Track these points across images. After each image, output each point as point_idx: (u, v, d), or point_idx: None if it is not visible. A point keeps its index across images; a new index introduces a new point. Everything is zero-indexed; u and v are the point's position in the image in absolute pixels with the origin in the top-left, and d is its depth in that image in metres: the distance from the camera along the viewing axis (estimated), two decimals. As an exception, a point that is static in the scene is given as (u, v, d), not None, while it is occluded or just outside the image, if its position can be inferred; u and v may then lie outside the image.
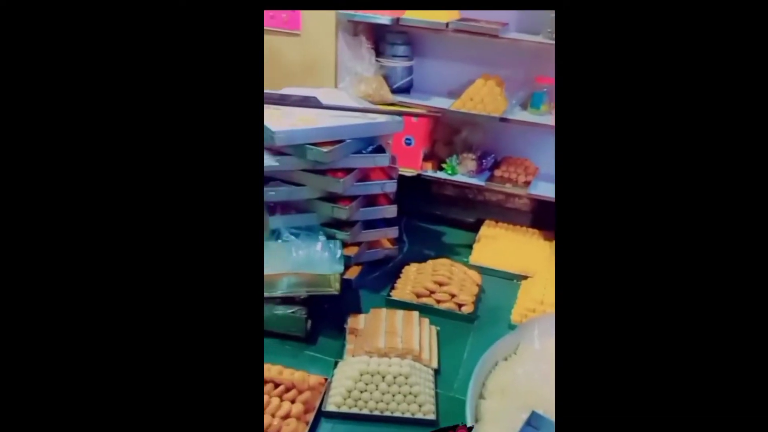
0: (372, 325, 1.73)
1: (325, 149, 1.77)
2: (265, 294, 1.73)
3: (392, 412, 1.46)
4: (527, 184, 2.31)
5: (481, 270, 2.14)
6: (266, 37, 2.41)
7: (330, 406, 1.47)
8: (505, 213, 2.49)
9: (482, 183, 2.34)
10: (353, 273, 2.03)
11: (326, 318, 1.83)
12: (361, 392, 1.48)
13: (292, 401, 1.42)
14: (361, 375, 1.49)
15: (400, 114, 2.03)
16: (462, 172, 2.39)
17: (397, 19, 2.18)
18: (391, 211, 2.09)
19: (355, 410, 1.46)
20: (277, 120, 1.83)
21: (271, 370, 1.48)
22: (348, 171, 1.90)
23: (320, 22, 2.25)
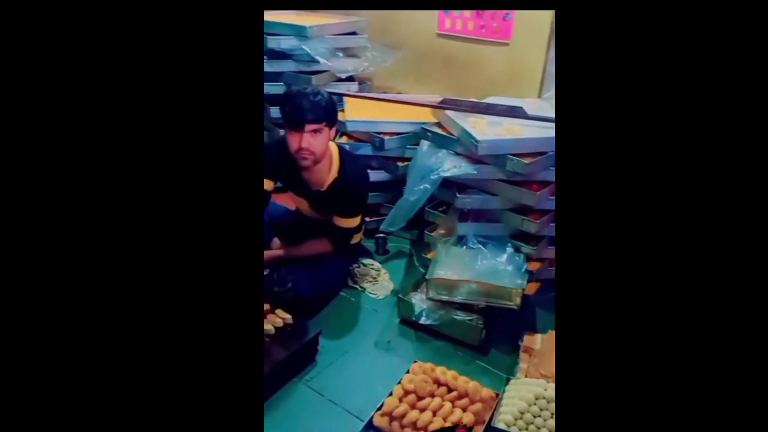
0: (550, 348, 1.65)
1: (526, 160, 1.73)
2: (446, 298, 1.77)
3: (566, 446, 1.38)
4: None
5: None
6: (472, 46, 2.45)
7: (499, 423, 1.44)
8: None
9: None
10: (532, 289, 1.96)
11: (501, 331, 1.80)
12: (534, 416, 1.42)
13: (464, 409, 1.42)
14: (537, 399, 1.43)
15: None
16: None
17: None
18: (582, 231, 1.97)
19: (525, 434, 1.41)
20: (482, 129, 1.84)
21: (446, 374, 1.50)
22: (544, 184, 1.84)
23: (533, 31, 2.20)
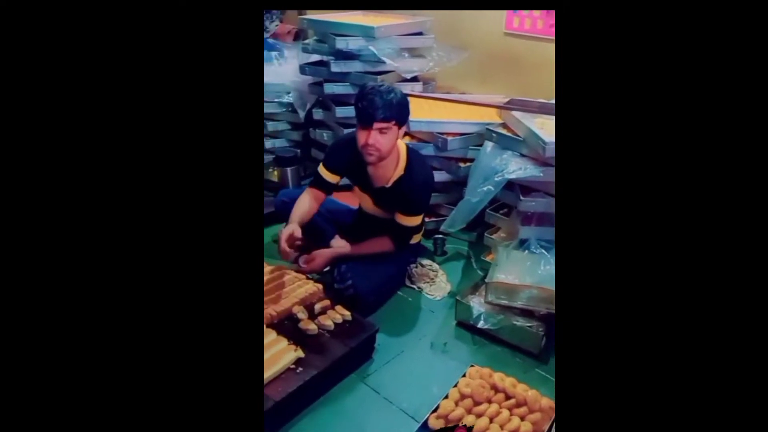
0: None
1: (595, 166, 1.67)
2: (505, 303, 1.73)
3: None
4: None
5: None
6: (540, 45, 2.39)
7: (558, 435, 1.40)
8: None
9: None
10: (596, 299, 1.89)
11: (562, 340, 1.75)
12: (596, 431, 1.37)
13: (522, 418, 1.39)
14: (599, 413, 1.38)
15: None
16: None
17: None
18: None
19: (585, 448, 1.36)
20: (550, 130, 1.79)
21: (505, 381, 1.47)
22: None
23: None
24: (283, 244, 1.73)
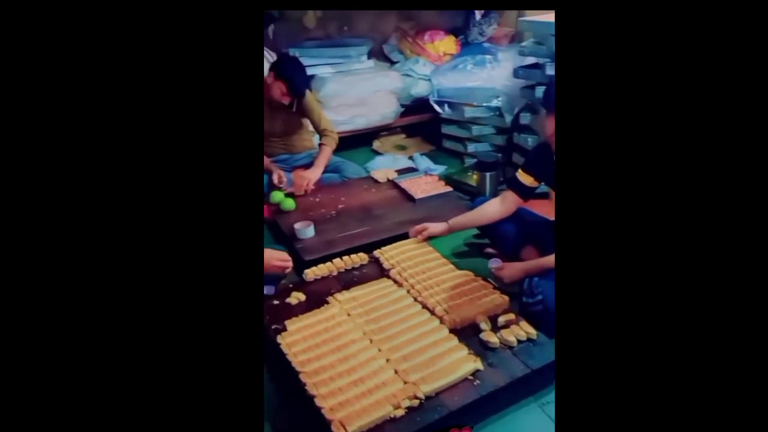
0: None
1: None
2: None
3: None
4: None
5: None
6: None
7: None
8: None
9: None
10: None
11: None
12: None
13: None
14: None
15: None
16: None
17: None
18: None
19: None
20: None
21: None
22: None
23: None
24: (418, 227, 2.03)
